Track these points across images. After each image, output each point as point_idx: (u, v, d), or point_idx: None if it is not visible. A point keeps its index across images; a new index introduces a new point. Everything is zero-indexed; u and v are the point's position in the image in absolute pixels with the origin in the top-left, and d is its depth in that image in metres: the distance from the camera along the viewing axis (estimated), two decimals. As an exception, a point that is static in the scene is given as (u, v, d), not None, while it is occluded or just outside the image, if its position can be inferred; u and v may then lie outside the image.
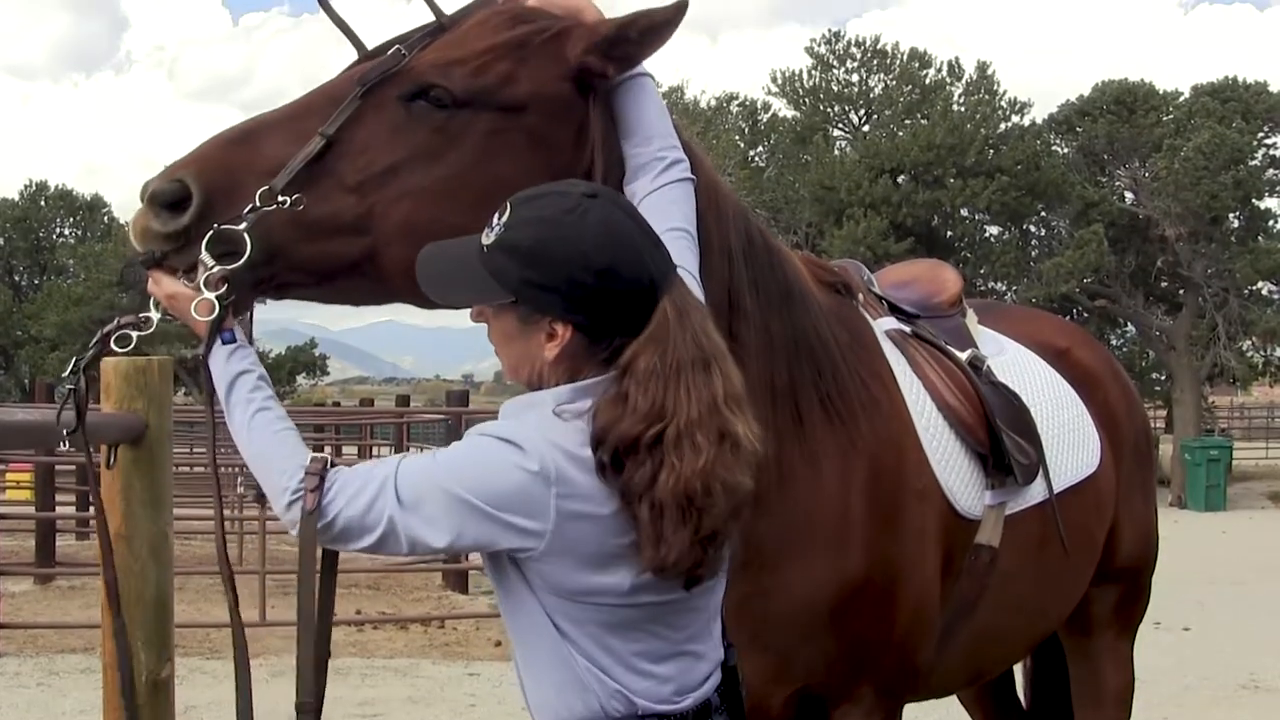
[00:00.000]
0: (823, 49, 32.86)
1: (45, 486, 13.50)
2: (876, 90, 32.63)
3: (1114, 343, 31.72)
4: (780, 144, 32.68)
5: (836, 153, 31.29)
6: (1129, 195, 30.57)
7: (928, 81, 31.94)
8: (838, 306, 2.86)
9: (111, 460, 2.62)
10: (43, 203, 47.11)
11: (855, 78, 32.72)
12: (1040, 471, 3.13)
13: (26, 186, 47.27)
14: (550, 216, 1.97)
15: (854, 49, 32.68)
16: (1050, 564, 3.25)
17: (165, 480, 2.70)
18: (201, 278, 2.11)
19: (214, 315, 2.10)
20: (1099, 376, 3.81)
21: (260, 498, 11.53)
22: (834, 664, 2.66)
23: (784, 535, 2.56)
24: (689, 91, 32.99)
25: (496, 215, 2.00)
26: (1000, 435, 3.00)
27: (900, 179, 29.93)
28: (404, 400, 28.50)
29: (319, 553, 2.03)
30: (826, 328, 2.72)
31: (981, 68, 32.02)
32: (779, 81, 32.97)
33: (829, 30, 33.83)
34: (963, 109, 30.78)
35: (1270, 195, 31.18)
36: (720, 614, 2.12)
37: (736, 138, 31.98)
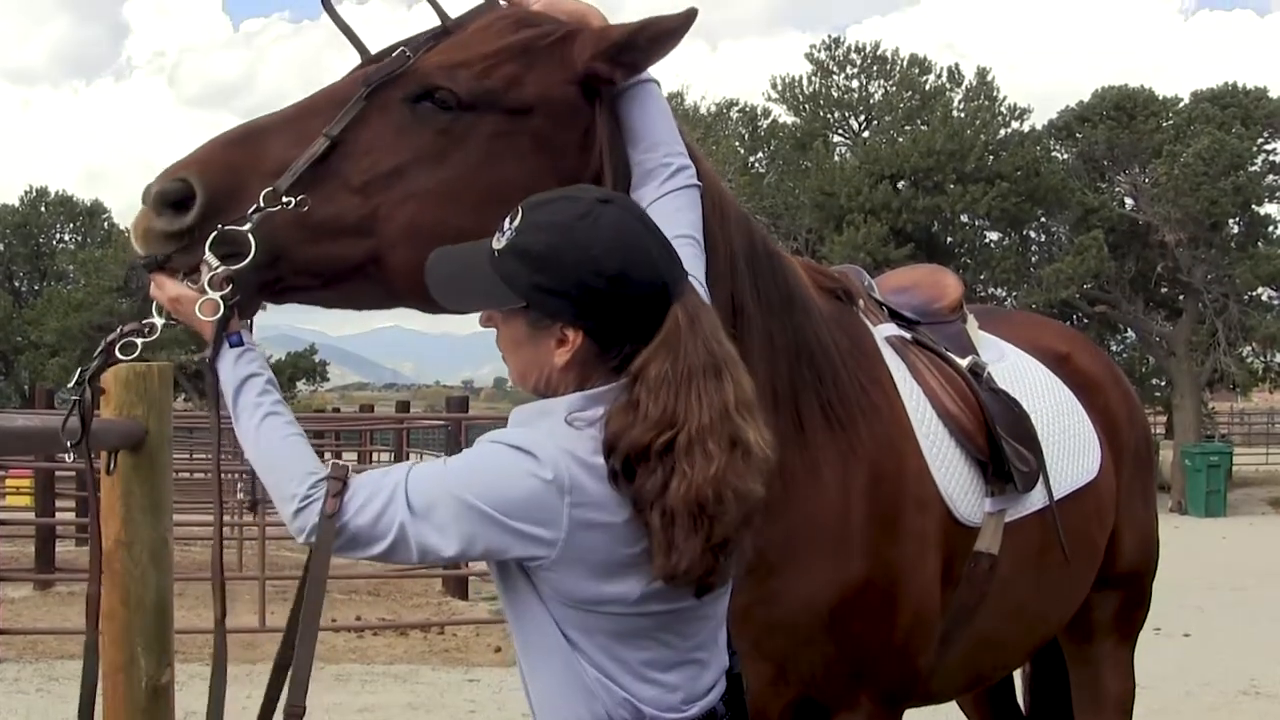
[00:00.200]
0: (823, 55, 32.89)
1: (45, 492, 13.50)
2: (876, 96, 32.64)
3: (1114, 348, 31.71)
4: (780, 150, 32.69)
5: (836, 159, 31.30)
6: (1129, 201, 30.58)
7: (928, 87, 31.96)
8: (838, 312, 2.86)
9: (111, 466, 2.62)
10: (43, 208, 47.07)
11: (855, 84, 32.74)
12: (1040, 478, 3.13)
13: (27, 192, 47.25)
14: (563, 221, 1.95)
15: (854, 55, 32.70)
16: (1050, 571, 3.25)
17: (165, 486, 2.70)
18: (206, 278, 2.08)
19: (219, 315, 2.06)
20: (1100, 382, 3.81)
21: (254, 506, 11.52)
22: (834, 671, 2.66)
23: (785, 541, 2.56)
24: (689, 97, 33.05)
25: (508, 220, 1.99)
26: (1000, 442, 3.00)
27: (900, 185, 29.94)
28: (404, 406, 28.52)
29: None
30: (827, 333, 2.72)
31: (981, 74, 32.05)
32: (779, 87, 33.00)
33: (829, 36, 33.78)
34: (963, 115, 30.79)
35: (1270, 201, 31.18)
36: (725, 621, 2.12)
37: (736, 144, 31.98)
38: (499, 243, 1.98)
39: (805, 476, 2.59)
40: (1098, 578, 3.61)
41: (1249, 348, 30.81)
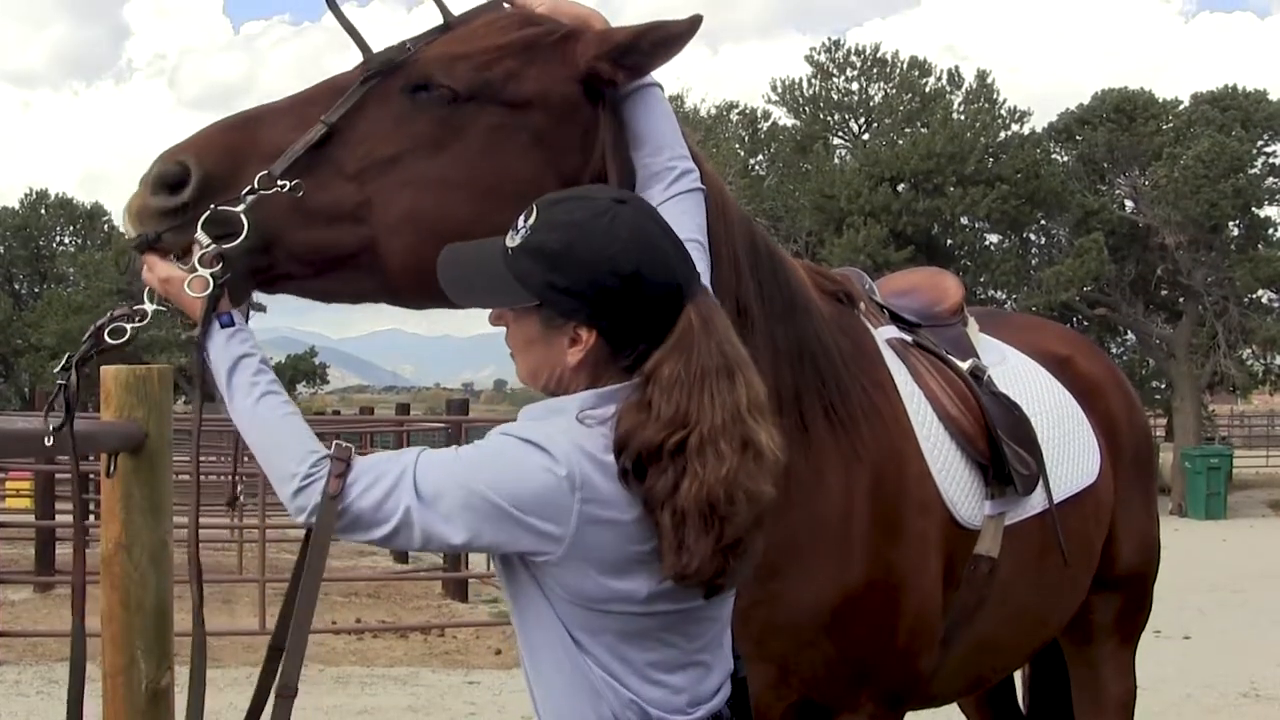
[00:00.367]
0: (823, 57, 32.95)
1: (45, 495, 13.48)
2: (876, 99, 32.68)
3: (1114, 351, 31.73)
4: (780, 152, 32.73)
5: (836, 161, 31.35)
6: (1129, 203, 30.62)
7: (928, 90, 32.01)
8: (839, 315, 2.86)
9: (111, 468, 2.62)
10: (43, 211, 47.06)
11: (855, 86, 32.80)
12: (1040, 481, 3.13)
13: (26, 195, 47.24)
14: (579, 220, 1.95)
15: (854, 58, 32.76)
16: (1049, 574, 3.25)
17: (165, 488, 2.70)
18: (196, 256, 2.06)
19: (208, 292, 2.03)
20: (1101, 385, 3.80)
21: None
22: (836, 673, 2.66)
23: (788, 543, 2.56)
24: (689, 100, 33.10)
25: (522, 218, 1.98)
26: (1001, 445, 3.00)
27: (900, 187, 29.97)
28: (404, 409, 28.45)
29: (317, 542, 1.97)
30: (830, 336, 2.72)
31: (981, 76, 32.10)
32: (779, 90, 33.05)
33: (829, 39, 33.91)
34: (963, 117, 30.83)
35: (1270, 203, 31.25)
36: (730, 624, 2.12)
37: (737, 146, 32.03)
38: (513, 240, 1.97)
39: (808, 478, 2.59)
40: (1098, 580, 3.61)
41: (1249, 350, 30.85)
